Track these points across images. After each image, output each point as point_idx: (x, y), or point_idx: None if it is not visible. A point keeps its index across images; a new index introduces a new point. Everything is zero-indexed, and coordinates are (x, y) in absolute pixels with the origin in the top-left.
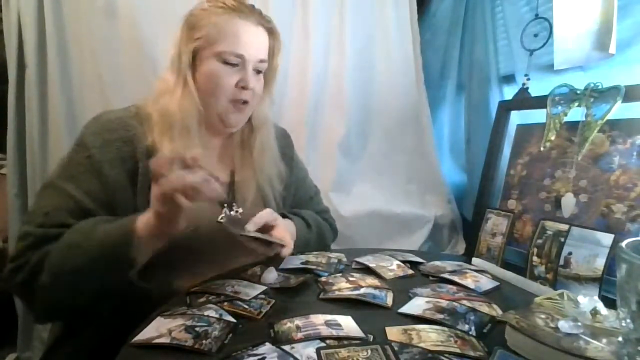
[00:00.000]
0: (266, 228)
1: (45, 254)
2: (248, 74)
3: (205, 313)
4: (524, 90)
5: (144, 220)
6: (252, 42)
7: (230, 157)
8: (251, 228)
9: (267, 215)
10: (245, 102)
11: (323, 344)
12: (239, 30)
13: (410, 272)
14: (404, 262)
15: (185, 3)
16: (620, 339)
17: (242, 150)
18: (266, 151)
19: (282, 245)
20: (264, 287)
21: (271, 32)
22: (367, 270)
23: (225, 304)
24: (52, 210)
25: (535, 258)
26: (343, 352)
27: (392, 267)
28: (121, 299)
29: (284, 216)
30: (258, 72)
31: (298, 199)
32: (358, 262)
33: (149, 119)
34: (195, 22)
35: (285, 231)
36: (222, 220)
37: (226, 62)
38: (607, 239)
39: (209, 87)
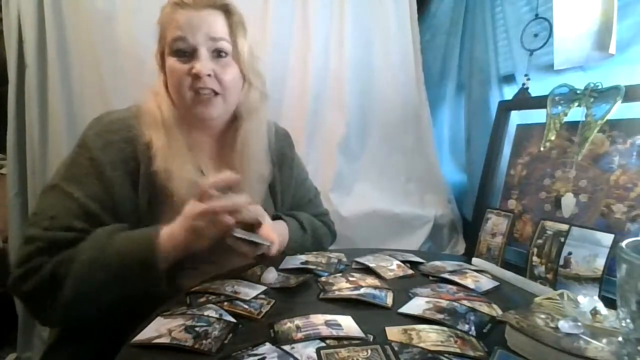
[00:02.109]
0: (252, 225)
1: (58, 264)
2: (200, 59)
3: (205, 313)
4: (524, 90)
5: (168, 233)
6: (195, 24)
7: (223, 158)
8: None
9: (257, 210)
10: (213, 92)
11: (323, 344)
12: (179, 18)
13: (410, 272)
14: (404, 262)
15: None
16: (620, 339)
17: (232, 153)
18: (250, 145)
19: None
20: (264, 287)
21: (226, 10)
22: (367, 270)
23: (225, 304)
24: (57, 214)
25: (535, 258)
26: (343, 352)
27: (392, 267)
28: (123, 300)
29: (278, 218)
30: (221, 56)
31: (297, 200)
32: (358, 262)
33: (145, 116)
34: (158, 27)
35: (271, 229)
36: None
37: (176, 53)
38: (607, 239)
39: (171, 84)
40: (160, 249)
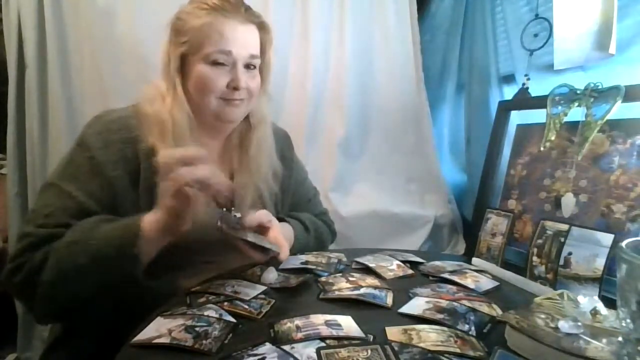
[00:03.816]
0: (260, 229)
1: (46, 254)
2: (238, 73)
3: (205, 313)
4: (524, 90)
5: (150, 218)
6: (239, 38)
7: (229, 159)
8: (245, 225)
9: (261, 216)
10: (240, 100)
11: (323, 344)
12: (224, 29)
13: (410, 272)
14: (404, 262)
15: (183, 3)
16: (620, 339)
17: (240, 151)
18: (263, 149)
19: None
20: (264, 287)
21: (261, 26)
22: (367, 270)
23: (225, 304)
24: (54, 211)
25: (535, 258)
26: (343, 352)
27: (392, 267)
28: (122, 299)
29: (282, 220)
30: (250, 68)
31: (296, 200)
32: (358, 262)
33: (147, 120)
34: (180, 26)
35: (279, 233)
36: (221, 225)
37: (215, 63)
38: (607, 239)
39: (199, 90)
40: (143, 232)
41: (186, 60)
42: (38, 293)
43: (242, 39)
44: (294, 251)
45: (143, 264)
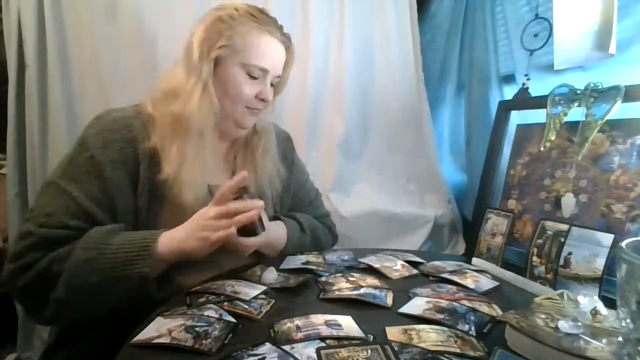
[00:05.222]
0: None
1: (52, 260)
2: (267, 87)
3: (205, 313)
4: (524, 90)
5: (168, 240)
6: (274, 58)
7: (232, 158)
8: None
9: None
10: (259, 109)
11: (323, 344)
12: (266, 46)
13: (415, 272)
14: (404, 262)
15: (184, 3)
16: (620, 339)
17: (245, 151)
18: (268, 154)
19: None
20: (264, 287)
21: (289, 49)
22: (367, 270)
23: (225, 304)
24: (54, 211)
25: (535, 258)
26: (343, 352)
27: (397, 268)
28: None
29: (277, 218)
30: (272, 84)
31: (297, 202)
32: (361, 262)
33: (151, 120)
34: (223, 29)
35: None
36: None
37: (249, 74)
38: (607, 239)
39: (228, 93)
40: (156, 254)
41: (218, 61)
42: (50, 308)
43: (276, 60)
44: (288, 250)
45: (152, 278)
